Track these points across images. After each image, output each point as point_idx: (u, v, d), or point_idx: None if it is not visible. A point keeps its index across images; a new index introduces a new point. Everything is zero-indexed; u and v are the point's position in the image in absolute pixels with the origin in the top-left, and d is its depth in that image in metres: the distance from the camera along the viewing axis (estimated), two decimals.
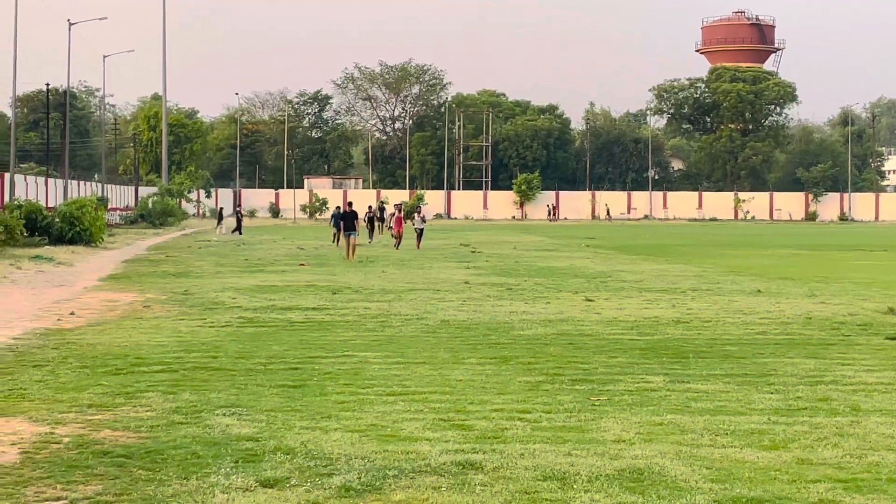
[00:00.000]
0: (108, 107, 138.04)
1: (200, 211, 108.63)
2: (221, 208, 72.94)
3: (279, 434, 9.44)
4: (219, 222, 67.98)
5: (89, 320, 18.30)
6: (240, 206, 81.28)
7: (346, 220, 39.69)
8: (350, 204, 41.92)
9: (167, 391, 11.49)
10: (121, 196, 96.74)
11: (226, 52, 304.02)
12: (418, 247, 44.40)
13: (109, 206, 78.32)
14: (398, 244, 45.11)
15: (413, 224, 49.19)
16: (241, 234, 62.18)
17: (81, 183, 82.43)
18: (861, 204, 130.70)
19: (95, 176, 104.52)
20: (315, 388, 11.78)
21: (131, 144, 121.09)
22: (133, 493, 7.61)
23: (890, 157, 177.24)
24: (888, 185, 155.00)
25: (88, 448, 8.90)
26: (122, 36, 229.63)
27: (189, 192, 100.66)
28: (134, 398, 11.11)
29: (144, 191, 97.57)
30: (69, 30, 79.16)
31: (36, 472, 8.16)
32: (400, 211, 53.32)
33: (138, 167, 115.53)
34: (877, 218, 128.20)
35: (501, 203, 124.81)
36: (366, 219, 52.15)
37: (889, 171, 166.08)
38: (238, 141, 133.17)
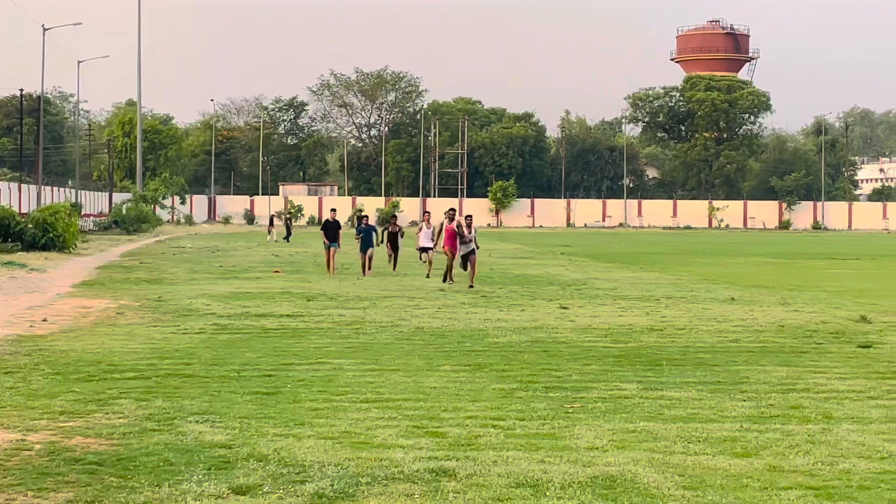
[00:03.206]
0: (82, 112, 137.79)
1: (175, 217, 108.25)
2: (272, 216, 74.01)
3: (252, 441, 9.42)
4: (270, 228, 68.11)
5: (62, 327, 18.20)
6: (289, 212, 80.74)
7: (327, 229, 34.84)
8: (333, 211, 36.50)
9: (140, 398, 11.43)
10: (95, 202, 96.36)
11: (201, 59, 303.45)
12: (472, 282, 27.88)
13: (83, 213, 78.06)
14: (449, 275, 29.21)
15: (464, 238, 28.76)
16: (288, 241, 62.32)
17: (55, 189, 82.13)
18: (834, 213, 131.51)
19: (69, 182, 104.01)
20: (289, 395, 11.75)
21: (105, 150, 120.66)
22: (105, 501, 7.56)
23: (863, 166, 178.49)
24: (861, 194, 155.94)
25: (60, 455, 8.85)
26: (97, 41, 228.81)
27: (163, 198, 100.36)
28: (106, 405, 11.06)
29: (118, 197, 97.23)
30: (44, 35, 78.86)
31: (7, 480, 8.10)
32: (451, 219, 29.78)
33: (112, 173, 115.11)
34: (850, 227, 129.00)
35: (477, 210, 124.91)
36: (383, 235, 34.93)
37: (862, 181, 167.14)
38: (213, 147, 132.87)
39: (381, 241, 34.49)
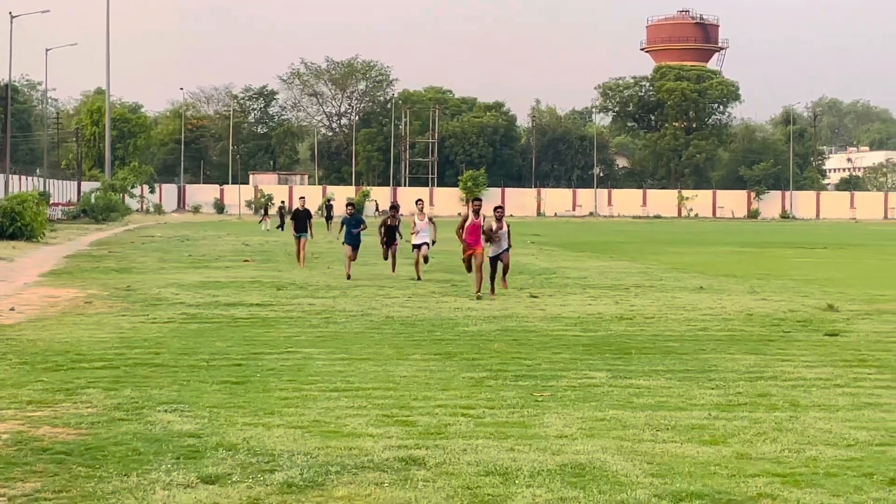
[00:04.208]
0: (50, 101, 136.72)
1: (144, 206, 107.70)
2: (266, 205, 73.47)
3: (221, 430, 9.39)
4: (281, 221, 66.15)
5: (29, 316, 18.09)
6: (283, 202, 78.97)
7: (297, 219, 32.73)
8: (302, 200, 35.05)
9: (108, 387, 11.38)
10: (63, 191, 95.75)
11: (170, 47, 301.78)
12: (504, 284, 23.40)
13: (51, 201, 77.54)
14: (481, 283, 22.75)
15: (490, 236, 22.89)
16: (282, 229, 61.58)
17: (23, 178, 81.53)
18: (802, 202, 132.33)
19: (37, 171, 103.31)
20: (258, 384, 11.73)
21: (74, 139, 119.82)
22: (72, 490, 7.53)
23: (831, 156, 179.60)
24: (829, 184, 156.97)
25: (27, 445, 8.80)
26: (66, 29, 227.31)
27: (132, 187, 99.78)
28: (74, 394, 11.00)
29: (87, 186, 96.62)
30: (11, 22, 78.22)
31: None
32: (477, 213, 23.41)
33: (81, 162, 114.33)
34: (818, 216, 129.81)
35: (447, 199, 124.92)
36: (380, 230, 28.71)
37: (830, 170, 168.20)
38: (182, 136, 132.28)
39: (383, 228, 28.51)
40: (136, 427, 9.50)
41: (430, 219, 28.07)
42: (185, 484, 7.69)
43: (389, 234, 28.10)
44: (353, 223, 27.87)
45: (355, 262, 27.81)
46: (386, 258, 28.36)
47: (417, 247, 27.24)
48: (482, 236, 22.87)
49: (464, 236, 23.53)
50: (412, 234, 27.50)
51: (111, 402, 10.59)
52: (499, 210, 23.10)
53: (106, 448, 8.70)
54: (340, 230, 28.22)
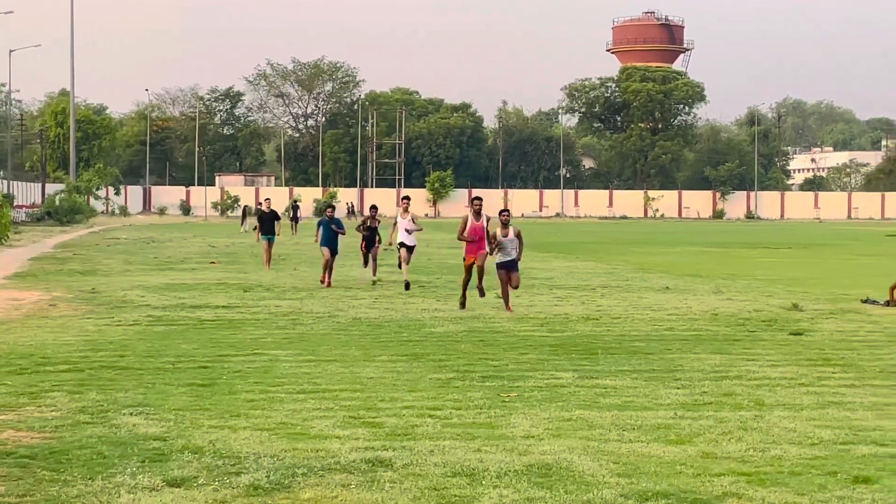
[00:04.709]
0: (14, 102, 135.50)
1: (109, 208, 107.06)
2: (245, 207, 72.63)
3: (187, 433, 9.35)
4: (243, 220, 66.61)
5: None
6: (260, 203, 78.49)
7: (263, 221, 31.85)
8: (267, 201, 34.15)
9: (73, 391, 11.31)
10: (27, 193, 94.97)
11: (136, 48, 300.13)
12: (508, 307, 19.84)
13: (15, 204, 76.85)
14: (462, 296, 20.49)
15: (492, 244, 20.04)
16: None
17: None
18: (767, 202, 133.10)
19: (1, 172, 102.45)
20: (224, 386, 11.69)
21: (38, 141, 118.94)
22: (37, 495, 7.48)
23: (795, 156, 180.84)
24: (793, 184, 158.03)
25: None
26: (30, 30, 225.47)
27: (97, 189, 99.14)
28: (38, 398, 10.93)
29: (52, 188, 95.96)
30: None
31: None
32: (478, 214, 20.70)
33: (45, 164, 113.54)
34: (782, 216, 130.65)
35: (414, 201, 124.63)
36: (361, 229, 27.18)
37: (794, 171, 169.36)
38: (148, 137, 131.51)
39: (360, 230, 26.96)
40: (101, 430, 9.44)
41: (414, 218, 25.30)
42: (151, 487, 7.65)
43: (369, 236, 26.64)
44: (332, 226, 26.02)
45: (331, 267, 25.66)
46: (366, 264, 26.80)
47: (405, 247, 24.86)
48: (487, 244, 19.96)
49: (466, 242, 20.41)
50: (392, 232, 25.39)
51: (76, 406, 10.52)
52: (504, 214, 20.10)
53: (70, 452, 8.64)
54: (317, 233, 26.37)
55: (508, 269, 19.73)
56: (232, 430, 9.51)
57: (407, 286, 23.82)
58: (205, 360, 13.55)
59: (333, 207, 28.31)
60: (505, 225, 19.74)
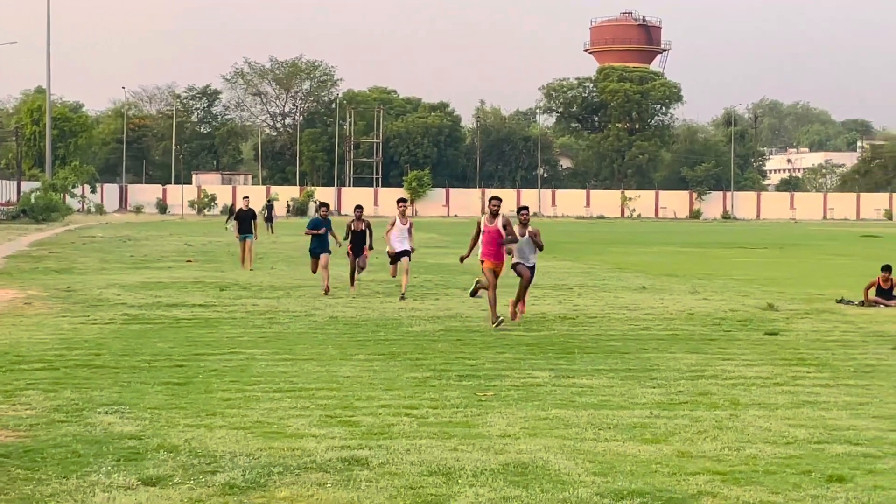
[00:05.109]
0: None
1: (85, 206, 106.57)
2: (232, 205, 72.30)
3: (162, 432, 9.33)
4: (229, 218, 66.91)
5: None
6: (245, 197, 78.51)
7: (241, 220, 31.09)
8: (246, 199, 33.13)
9: (48, 389, 11.26)
10: (2, 191, 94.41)
11: (112, 45, 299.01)
12: (523, 306, 18.80)
13: None
14: (491, 308, 17.74)
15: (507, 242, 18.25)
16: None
17: None
18: (743, 203, 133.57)
19: None
20: (200, 385, 11.66)
21: (13, 138, 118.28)
22: (11, 493, 7.44)
23: (771, 157, 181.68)
24: (769, 185, 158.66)
25: None
26: (5, 27, 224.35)
27: (73, 187, 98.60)
28: (13, 396, 10.87)
29: (27, 185, 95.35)
30: None
31: None
32: (496, 215, 17.94)
33: (21, 161, 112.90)
34: (758, 216, 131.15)
35: (392, 200, 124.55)
36: (346, 234, 23.71)
37: (770, 171, 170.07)
38: (125, 135, 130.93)
39: (346, 238, 23.69)
40: (76, 429, 9.40)
41: (411, 226, 23.31)
42: (126, 486, 7.63)
43: (356, 242, 23.51)
44: (322, 226, 24.05)
45: (325, 267, 23.58)
46: (353, 281, 23.54)
47: (398, 257, 22.78)
48: (503, 246, 17.86)
49: (480, 248, 18.06)
50: (386, 235, 22.94)
51: (51, 404, 10.47)
52: (524, 213, 18.34)
53: (45, 450, 8.61)
54: (312, 230, 24.11)
55: (519, 272, 18.30)
56: (208, 428, 9.48)
57: (402, 297, 21.75)
58: (181, 358, 13.51)
59: (328, 206, 25.67)
60: (524, 224, 18.19)
